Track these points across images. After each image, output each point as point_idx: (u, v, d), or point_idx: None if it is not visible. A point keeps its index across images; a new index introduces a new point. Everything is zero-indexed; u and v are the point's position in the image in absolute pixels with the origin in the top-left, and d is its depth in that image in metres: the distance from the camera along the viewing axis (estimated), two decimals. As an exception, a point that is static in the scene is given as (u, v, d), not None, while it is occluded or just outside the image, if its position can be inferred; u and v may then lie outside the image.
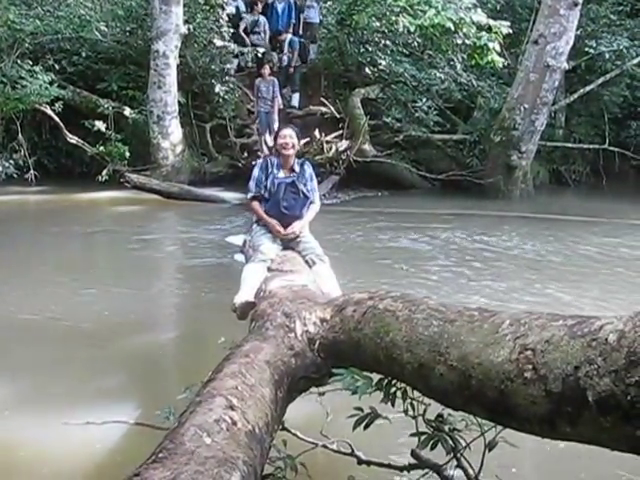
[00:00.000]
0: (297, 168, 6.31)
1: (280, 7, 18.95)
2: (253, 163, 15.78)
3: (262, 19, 18.55)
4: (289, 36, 18.59)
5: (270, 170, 6.24)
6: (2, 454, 4.52)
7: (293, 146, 6.26)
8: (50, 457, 4.50)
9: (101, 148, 16.15)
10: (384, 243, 11.46)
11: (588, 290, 8.93)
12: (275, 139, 6.50)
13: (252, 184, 6.31)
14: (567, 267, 10.22)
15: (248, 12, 18.82)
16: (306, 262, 5.88)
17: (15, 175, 16.04)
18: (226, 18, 17.50)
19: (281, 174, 6.18)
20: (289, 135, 6.29)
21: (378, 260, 10.29)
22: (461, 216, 13.86)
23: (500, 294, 8.59)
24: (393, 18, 16.52)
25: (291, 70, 18.62)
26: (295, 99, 18.66)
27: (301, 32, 19.45)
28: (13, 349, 6.41)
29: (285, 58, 18.68)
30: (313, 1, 19.38)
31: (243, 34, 18.14)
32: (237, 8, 18.68)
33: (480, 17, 15.24)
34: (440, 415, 3.30)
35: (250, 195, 6.35)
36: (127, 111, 16.53)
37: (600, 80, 18.72)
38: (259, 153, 16.17)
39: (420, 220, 13.26)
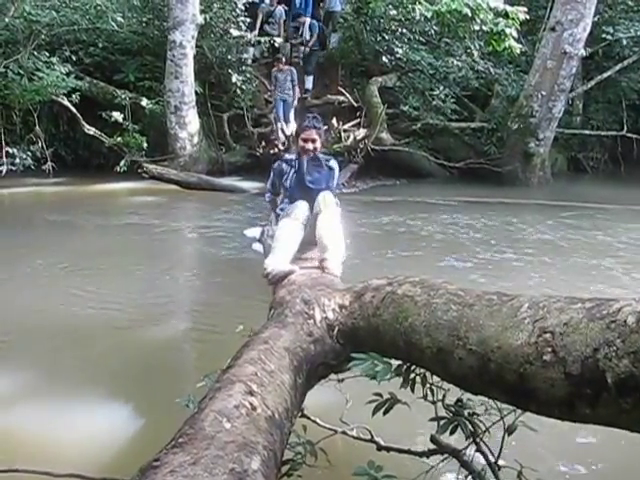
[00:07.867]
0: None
1: None
2: (271, 152, 16.02)
3: (279, 10, 18.59)
4: (308, 19, 18.63)
5: (285, 173, 6.17)
6: (11, 445, 4.51)
7: (314, 141, 6.17)
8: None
9: (119, 139, 16.26)
10: (404, 230, 11.45)
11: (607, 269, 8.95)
12: (297, 134, 6.42)
13: (269, 186, 6.56)
14: (590, 253, 10.21)
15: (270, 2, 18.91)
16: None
17: (33, 167, 16.09)
18: (242, 8, 17.51)
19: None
20: (310, 131, 6.20)
21: (399, 247, 10.27)
22: (479, 204, 13.79)
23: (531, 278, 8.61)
24: (410, 6, 16.47)
25: (307, 50, 18.67)
26: (309, 81, 18.75)
27: (322, 20, 19.59)
28: (26, 340, 6.43)
29: (301, 38, 18.82)
30: None
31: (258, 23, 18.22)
32: None
33: (497, 2, 15.15)
34: (459, 400, 3.30)
35: (267, 198, 6.74)
36: (144, 102, 16.58)
37: (618, 66, 18.62)
38: (276, 142, 16.23)
39: (439, 208, 13.25)
